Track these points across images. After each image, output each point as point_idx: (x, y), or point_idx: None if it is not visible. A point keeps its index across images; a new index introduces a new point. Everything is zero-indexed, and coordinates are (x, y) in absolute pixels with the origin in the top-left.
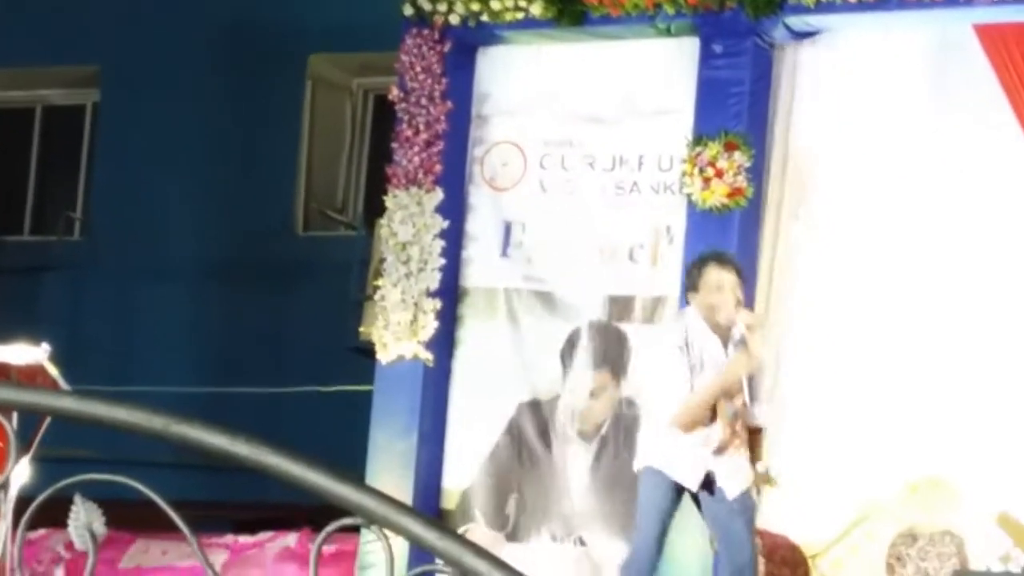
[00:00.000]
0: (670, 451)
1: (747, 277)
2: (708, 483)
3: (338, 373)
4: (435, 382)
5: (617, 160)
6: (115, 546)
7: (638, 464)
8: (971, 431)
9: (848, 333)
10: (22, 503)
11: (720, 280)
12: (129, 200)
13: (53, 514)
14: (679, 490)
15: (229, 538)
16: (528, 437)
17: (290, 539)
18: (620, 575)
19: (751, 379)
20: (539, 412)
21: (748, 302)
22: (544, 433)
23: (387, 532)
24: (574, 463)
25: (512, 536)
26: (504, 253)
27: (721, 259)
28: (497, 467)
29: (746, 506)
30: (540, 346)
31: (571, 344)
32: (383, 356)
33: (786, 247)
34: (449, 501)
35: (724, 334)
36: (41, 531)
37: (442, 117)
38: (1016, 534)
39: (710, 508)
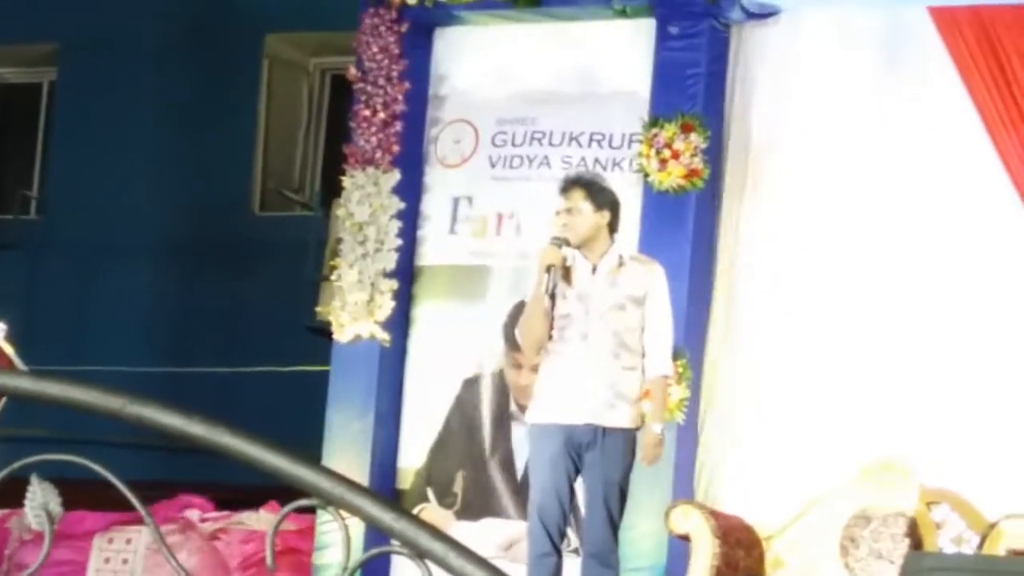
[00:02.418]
0: (552, 398)
1: (705, 260)
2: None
3: (295, 353)
4: (391, 362)
5: (567, 137)
6: None
7: (527, 422)
8: (924, 413)
9: (803, 316)
10: None
11: (562, 204)
12: (85, 179)
13: (10, 495)
14: (568, 438)
15: (187, 518)
16: (473, 414)
17: (251, 518)
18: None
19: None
20: (483, 388)
21: (705, 285)
22: (488, 409)
23: (343, 513)
24: (518, 438)
25: (461, 514)
26: (452, 230)
27: (565, 183)
28: (445, 445)
29: (612, 479)
30: (485, 321)
31: (514, 318)
32: (340, 336)
33: (742, 230)
34: (404, 481)
35: (585, 254)
36: None
37: (399, 97)
38: (969, 516)
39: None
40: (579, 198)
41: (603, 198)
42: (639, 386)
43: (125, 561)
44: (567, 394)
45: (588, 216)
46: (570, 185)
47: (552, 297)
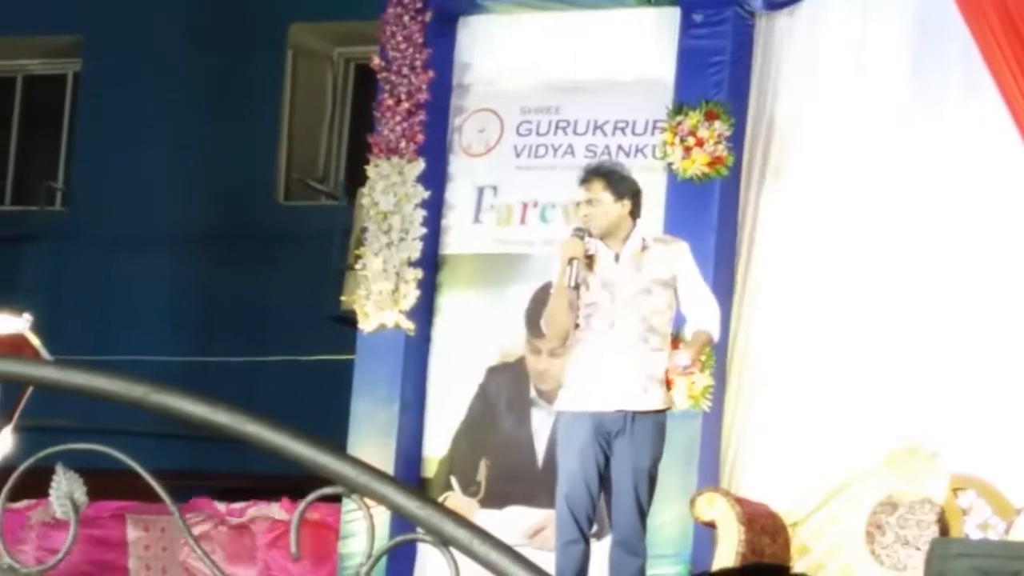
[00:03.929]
0: (581, 386)
1: (729, 247)
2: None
3: (319, 342)
4: (416, 351)
5: (592, 126)
6: None
7: (556, 410)
8: (950, 399)
9: (826, 302)
10: (4, 472)
11: (583, 195)
12: (110, 170)
13: (35, 484)
14: (597, 425)
15: (215, 507)
16: (496, 401)
17: (272, 509)
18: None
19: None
20: (505, 375)
21: (730, 272)
22: (511, 396)
23: (368, 501)
24: (539, 425)
25: (485, 502)
26: (477, 219)
27: (585, 174)
28: (469, 433)
29: (642, 466)
30: (510, 310)
31: (536, 303)
32: (364, 325)
33: (763, 217)
34: (429, 470)
35: (608, 243)
36: (23, 501)
37: (424, 86)
38: (995, 502)
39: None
40: (599, 188)
41: (624, 187)
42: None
43: (165, 549)
44: (596, 381)
45: (609, 206)
46: (589, 176)
47: (576, 289)
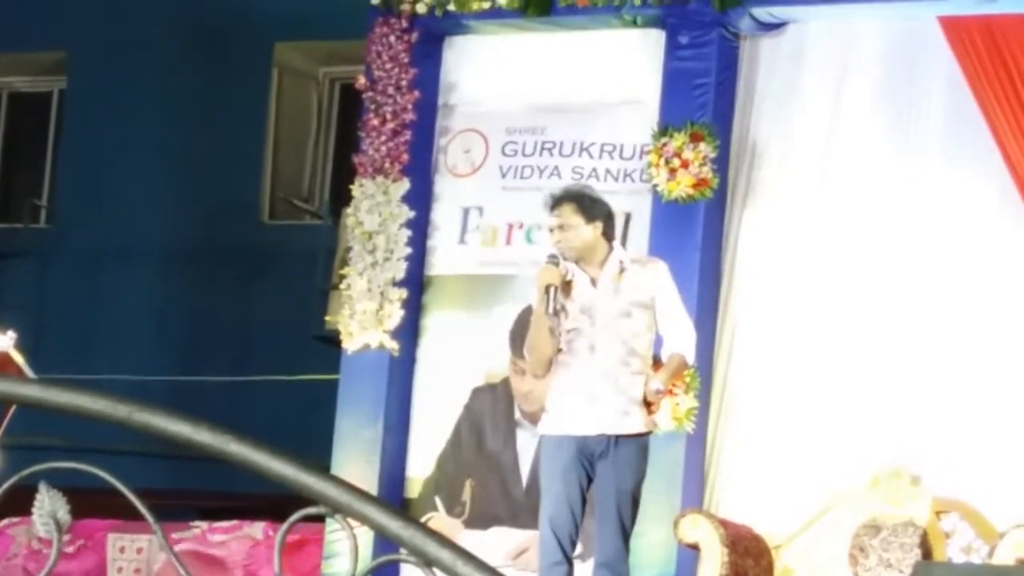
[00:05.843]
0: (563, 410)
1: (714, 269)
2: (603, 445)
3: (304, 362)
4: (401, 371)
5: (578, 147)
6: None
7: (539, 434)
8: (933, 422)
9: (810, 323)
10: None
11: (554, 221)
12: (95, 188)
13: (19, 503)
14: (580, 448)
15: (195, 527)
16: (482, 422)
17: (255, 529)
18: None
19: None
20: (491, 396)
21: (714, 294)
22: (496, 417)
23: (351, 522)
24: (523, 446)
25: (470, 523)
26: (462, 239)
27: (553, 200)
28: (454, 454)
29: (625, 489)
30: (494, 330)
31: (519, 324)
32: (349, 345)
33: (748, 238)
34: (413, 490)
35: (584, 267)
36: (6, 520)
37: (409, 106)
38: (978, 525)
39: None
40: (569, 213)
41: (595, 210)
42: None
43: (138, 571)
44: (579, 405)
45: (581, 229)
46: (559, 201)
47: (556, 315)
